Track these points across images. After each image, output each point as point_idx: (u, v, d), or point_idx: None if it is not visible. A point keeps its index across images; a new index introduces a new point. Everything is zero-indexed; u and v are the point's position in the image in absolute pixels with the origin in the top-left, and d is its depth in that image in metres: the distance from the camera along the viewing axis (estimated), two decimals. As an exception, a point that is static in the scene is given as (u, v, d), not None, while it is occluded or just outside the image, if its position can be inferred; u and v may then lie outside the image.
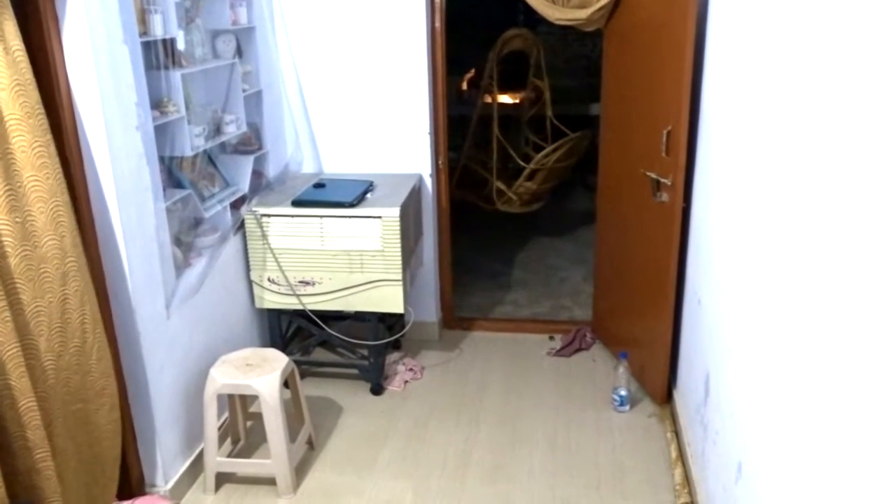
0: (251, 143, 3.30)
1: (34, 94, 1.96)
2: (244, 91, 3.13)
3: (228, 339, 3.10)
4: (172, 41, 2.60)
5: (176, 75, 2.60)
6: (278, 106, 3.49)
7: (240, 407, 2.98)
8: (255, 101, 3.31)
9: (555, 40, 6.92)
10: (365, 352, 3.41)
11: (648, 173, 2.97)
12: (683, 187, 2.83)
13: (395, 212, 3.08)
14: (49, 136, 2.01)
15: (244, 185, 3.19)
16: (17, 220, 1.93)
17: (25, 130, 1.92)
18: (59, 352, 2.09)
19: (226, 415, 2.97)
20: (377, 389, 3.40)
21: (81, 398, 2.20)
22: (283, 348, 3.39)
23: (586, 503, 2.65)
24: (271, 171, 3.44)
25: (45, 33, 2.08)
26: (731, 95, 2.26)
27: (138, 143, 2.39)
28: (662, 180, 2.89)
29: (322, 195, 3.23)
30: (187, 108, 2.69)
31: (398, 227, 3.09)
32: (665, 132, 2.83)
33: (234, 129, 3.07)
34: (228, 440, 2.99)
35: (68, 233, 2.08)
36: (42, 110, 1.99)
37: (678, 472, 2.75)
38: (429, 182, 3.63)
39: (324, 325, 3.37)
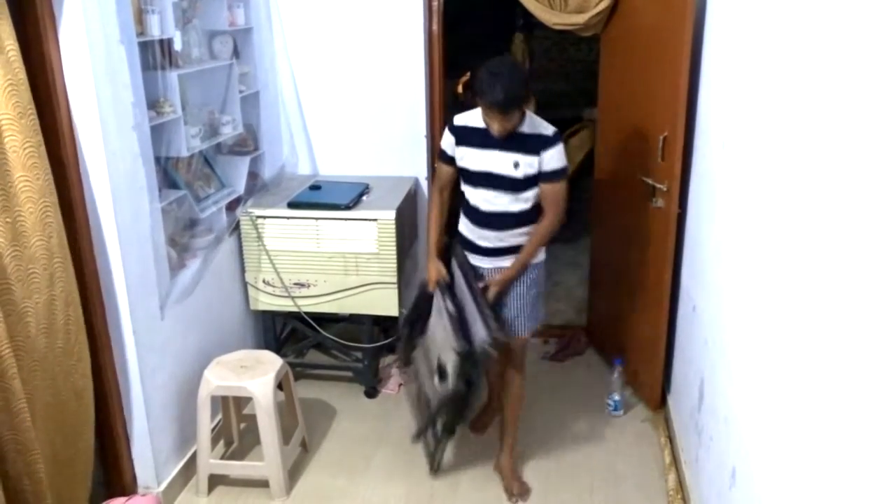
0: (247, 144, 3.29)
1: (26, 95, 1.95)
2: (241, 92, 3.12)
3: (222, 341, 3.08)
4: (169, 41, 2.59)
5: (172, 76, 2.59)
6: (275, 107, 3.48)
7: (233, 409, 2.97)
8: (251, 102, 3.30)
9: (551, 44, 6.94)
10: (359, 354, 3.40)
11: (644, 179, 2.98)
12: (679, 193, 2.83)
13: (391, 214, 3.07)
14: (40, 137, 2.00)
15: (240, 187, 3.18)
16: (8, 220, 1.93)
17: (17, 130, 1.92)
18: (45, 353, 2.09)
19: (219, 416, 2.95)
20: (371, 392, 3.40)
21: (62, 399, 2.19)
22: (278, 350, 3.37)
23: (580, 508, 2.66)
24: (267, 172, 3.43)
25: (42, 33, 2.06)
26: (727, 101, 2.27)
27: (134, 144, 2.38)
28: (658, 186, 2.90)
29: (318, 197, 3.23)
30: (184, 108, 2.68)
31: (394, 230, 3.08)
32: (661, 138, 2.83)
33: (230, 130, 3.06)
34: (222, 442, 2.98)
35: (55, 233, 2.08)
36: (34, 110, 1.98)
37: (672, 477, 2.75)
38: (424, 185, 3.62)
39: (318, 328, 3.36)
